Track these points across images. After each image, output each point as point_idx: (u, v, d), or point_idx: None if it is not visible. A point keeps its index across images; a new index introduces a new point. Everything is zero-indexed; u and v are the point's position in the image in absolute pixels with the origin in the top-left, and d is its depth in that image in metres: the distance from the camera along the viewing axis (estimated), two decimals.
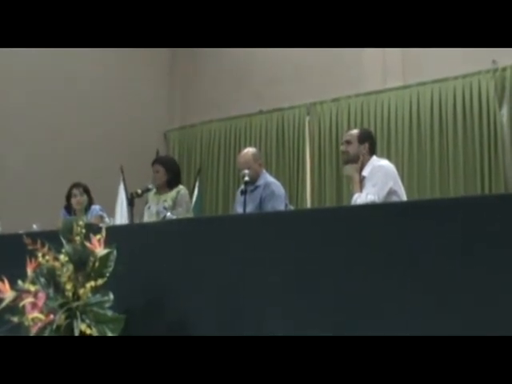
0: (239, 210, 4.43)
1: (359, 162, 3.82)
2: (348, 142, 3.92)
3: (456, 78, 6.34)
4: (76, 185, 5.27)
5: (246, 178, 4.32)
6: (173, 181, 4.77)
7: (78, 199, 5.19)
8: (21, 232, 3.38)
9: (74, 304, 2.54)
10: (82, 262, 2.61)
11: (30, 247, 2.59)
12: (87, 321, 2.51)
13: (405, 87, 6.70)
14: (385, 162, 3.89)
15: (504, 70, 6.08)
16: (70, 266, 2.60)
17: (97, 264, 2.60)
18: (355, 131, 4.01)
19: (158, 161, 4.92)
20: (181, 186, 4.80)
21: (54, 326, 2.45)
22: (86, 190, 5.27)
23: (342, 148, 4.03)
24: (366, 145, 3.86)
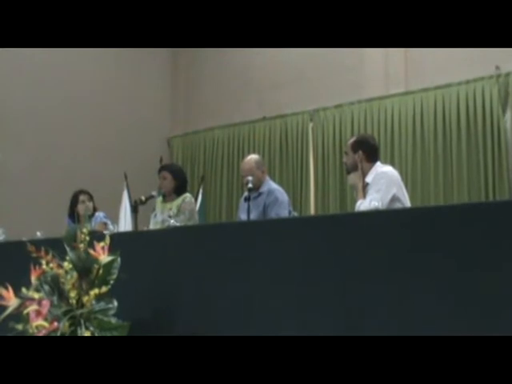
0: (243, 216, 4.43)
1: (359, 169, 3.84)
2: (346, 153, 4.02)
3: (459, 83, 6.32)
4: (82, 191, 5.30)
5: (250, 185, 4.32)
6: (180, 188, 4.77)
7: (87, 205, 5.22)
8: (25, 239, 3.38)
9: (78, 311, 2.54)
10: (86, 270, 2.61)
11: (34, 255, 2.59)
12: (91, 328, 2.51)
13: (408, 93, 6.69)
14: (388, 169, 3.89)
15: (507, 75, 6.07)
16: (74, 274, 2.60)
17: (101, 271, 2.61)
18: (350, 140, 4.05)
19: (166, 168, 4.94)
20: (187, 194, 4.80)
21: (58, 334, 2.45)
22: (91, 197, 5.31)
23: (343, 160, 4.11)
24: (360, 152, 3.86)
